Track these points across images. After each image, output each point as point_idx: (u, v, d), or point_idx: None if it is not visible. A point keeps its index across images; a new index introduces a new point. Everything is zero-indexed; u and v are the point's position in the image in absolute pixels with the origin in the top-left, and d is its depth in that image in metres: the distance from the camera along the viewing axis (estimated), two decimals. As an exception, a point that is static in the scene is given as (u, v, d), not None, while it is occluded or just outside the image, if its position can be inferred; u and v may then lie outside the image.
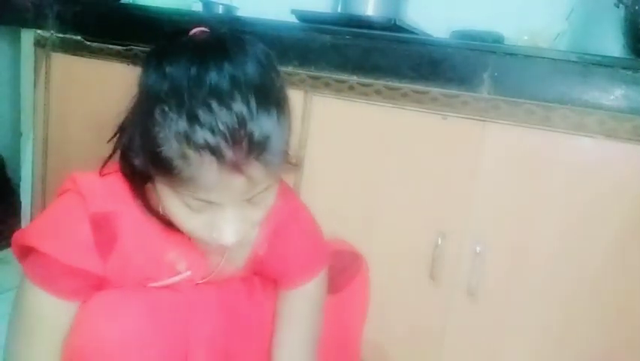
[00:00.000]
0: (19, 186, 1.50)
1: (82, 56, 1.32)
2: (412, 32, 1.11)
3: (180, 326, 0.70)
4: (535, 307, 0.94)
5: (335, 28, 1.04)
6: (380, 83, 1.00)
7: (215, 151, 0.52)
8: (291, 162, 0.63)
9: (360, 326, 1.00)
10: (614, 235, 0.87)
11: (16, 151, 1.49)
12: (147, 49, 1.21)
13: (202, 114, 0.52)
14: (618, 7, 0.97)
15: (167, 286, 0.71)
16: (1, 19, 1.33)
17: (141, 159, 0.59)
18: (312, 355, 0.81)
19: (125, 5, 1.39)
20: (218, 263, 0.75)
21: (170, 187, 0.58)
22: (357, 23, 1.06)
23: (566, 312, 0.92)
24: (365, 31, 1.02)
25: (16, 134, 1.48)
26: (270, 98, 0.56)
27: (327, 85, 1.04)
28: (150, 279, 0.71)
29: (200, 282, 0.75)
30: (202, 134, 0.51)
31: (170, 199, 0.59)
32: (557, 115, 0.88)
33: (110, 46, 1.27)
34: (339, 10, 1.25)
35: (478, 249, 0.95)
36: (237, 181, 0.54)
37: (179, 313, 0.70)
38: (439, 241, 0.97)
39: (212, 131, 0.52)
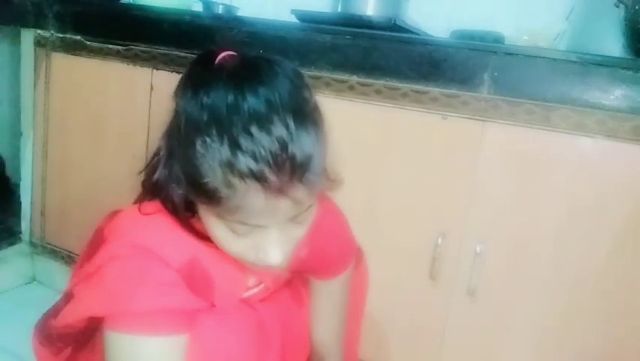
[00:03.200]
0: (19, 186, 1.50)
1: (82, 56, 1.32)
2: (412, 32, 1.11)
3: (255, 345, 0.71)
4: (535, 307, 0.94)
5: (335, 28, 1.04)
6: (380, 83, 1.00)
7: (259, 178, 0.52)
8: (331, 180, 0.63)
9: (361, 311, 1.03)
10: (614, 235, 0.87)
11: (16, 151, 1.49)
12: (147, 49, 1.23)
13: (243, 141, 0.52)
14: (618, 7, 0.97)
15: (245, 303, 0.73)
16: (1, 19, 1.33)
17: (184, 190, 0.59)
18: (343, 322, 0.90)
19: (125, 5, 1.39)
20: (278, 273, 0.78)
21: (215, 215, 0.57)
22: (357, 23, 1.06)
23: (565, 312, 0.92)
24: (365, 31, 1.02)
25: (16, 134, 1.48)
26: (307, 118, 0.56)
27: (327, 85, 1.04)
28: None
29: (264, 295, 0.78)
30: (245, 162, 0.52)
31: (215, 226, 0.59)
32: (557, 115, 0.88)
33: (110, 46, 1.27)
34: (339, 10, 1.25)
35: (478, 249, 0.95)
36: (283, 204, 0.55)
37: (254, 331, 0.71)
38: (439, 241, 0.97)
39: (255, 158, 0.52)
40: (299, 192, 0.54)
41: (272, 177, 0.52)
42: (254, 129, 0.52)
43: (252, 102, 0.53)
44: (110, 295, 0.62)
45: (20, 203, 1.49)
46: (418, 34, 1.12)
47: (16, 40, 1.49)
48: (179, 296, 0.63)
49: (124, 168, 1.26)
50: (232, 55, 0.61)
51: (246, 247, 0.60)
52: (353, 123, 1.04)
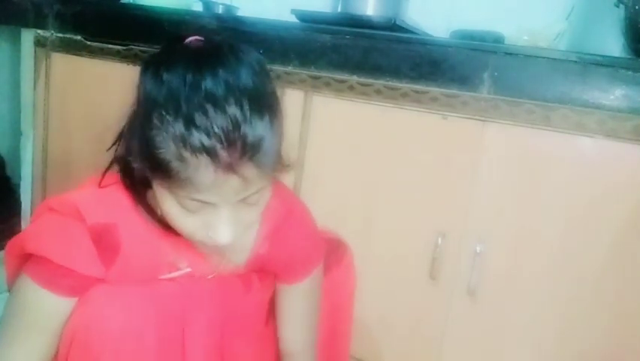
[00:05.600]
0: (19, 186, 1.50)
1: (82, 55, 1.32)
2: (412, 32, 1.11)
3: (178, 314, 0.72)
4: (535, 307, 0.94)
5: (335, 28, 1.04)
6: (380, 82, 1.00)
7: (210, 153, 0.54)
8: (284, 164, 0.65)
9: (350, 306, 1.03)
10: (614, 235, 0.87)
11: (16, 151, 1.49)
12: (147, 49, 1.23)
13: (198, 118, 0.54)
14: (618, 7, 0.97)
15: (167, 279, 0.74)
16: (1, 19, 1.33)
17: (140, 164, 0.61)
18: (314, 331, 0.87)
19: (125, 5, 1.39)
20: (219, 264, 0.77)
21: (167, 189, 0.59)
22: (357, 23, 1.06)
23: (565, 312, 0.92)
24: (365, 31, 1.02)
25: (16, 134, 1.48)
26: (263, 103, 0.58)
27: (327, 85, 1.04)
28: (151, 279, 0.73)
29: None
30: (198, 137, 0.54)
31: (167, 202, 0.61)
32: (557, 115, 0.88)
33: (110, 46, 1.27)
34: (339, 10, 1.25)
35: (478, 249, 0.95)
36: (232, 182, 0.56)
37: (176, 301, 0.72)
38: (439, 241, 0.97)
39: (208, 134, 0.54)
40: (249, 170, 0.56)
41: (223, 153, 0.54)
42: (209, 107, 0.54)
43: (210, 83, 0.56)
44: (31, 236, 0.68)
45: (20, 203, 1.49)
46: (418, 34, 1.12)
47: (16, 40, 1.49)
48: (80, 257, 0.66)
49: (124, 168, 1.26)
50: (198, 39, 0.63)
51: (196, 225, 0.62)
52: (353, 123, 1.04)
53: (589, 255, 0.89)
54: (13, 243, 0.71)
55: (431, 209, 0.99)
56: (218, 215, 0.60)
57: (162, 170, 0.57)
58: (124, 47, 1.26)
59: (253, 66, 0.60)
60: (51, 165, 1.42)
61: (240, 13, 1.45)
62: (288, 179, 1.06)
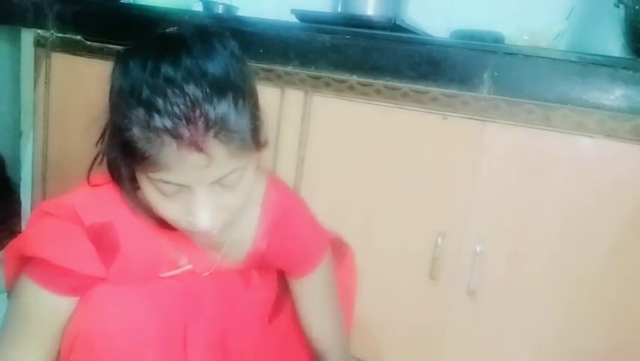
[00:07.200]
0: (19, 186, 1.50)
1: (82, 55, 1.32)
2: (412, 32, 1.11)
3: (179, 312, 0.72)
4: (535, 307, 0.94)
5: (335, 28, 1.04)
6: (380, 82, 1.00)
7: (171, 132, 0.56)
8: (258, 145, 0.65)
9: (351, 308, 1.03)
10: (614, 235, 0.87)
11: (16, 151, 1.49)
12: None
13: (158, 101, 0.56)
14: (618, 7, 0.97)
15: (168, 277, 0.74)
16: (1, 19, 1.33)
17: (116, 153, 0.63)
18: (339, 316, 0.88)
19: (125, 5, 1.39)
20: (216, 259, 0.77)
21: (144, 175, 0.61)
22: (357, 23, 1.06)
23: (565, 312, 0.92)
24: (365, 31, 1.02)
25: (16, 134, 1.48)
26: (227, 84, 0.59)
27: (327, 85, 1.04)
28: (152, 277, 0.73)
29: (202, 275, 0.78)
30: (160, 119, 0.56)
31: (147, 188, 0.62)
32: (557, 115, 0.88)
33: (110, 46, 1.27)
34: (339, 9, 1.25)
35: (478, 249, 0.95)
36: (197, 159, 0.57)
37: (177, 299, 0.73)
38: (439, 241, 0.97)
39: (168, 115, 0.56)
40: (214, 148, 0.57)
41: (184, 130, 0.56)
42: (168, 90, 0.56)
43: (169, 67, 0.57)
44: (30, 240, 0.69)
45: (20, 203, 1.49)
46: (418, 34, 1.12)
47: (16, 40, 1.49)
48: (80, 258, 0.66)
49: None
50: (173, 29, 0.64)
51: (177, 211, 0.63)
52: (353, 123, 1.04)
53: (589, 255, 0.89)
54: (11, 246, 0.72)
55: (431, 209, 0.99)
56: (194, 198, 0.61)
57: (133, 154, 0.58)
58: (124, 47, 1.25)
59: (221, 52, 0.61)
60: (51, 165, 1.42)
61: (239, 13, 1.45)
62: (288, 179, 1.06)
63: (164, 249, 0.73)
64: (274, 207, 0.78)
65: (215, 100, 0.57)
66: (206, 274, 0.78)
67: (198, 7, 1.43)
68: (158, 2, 1.29)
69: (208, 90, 0.57)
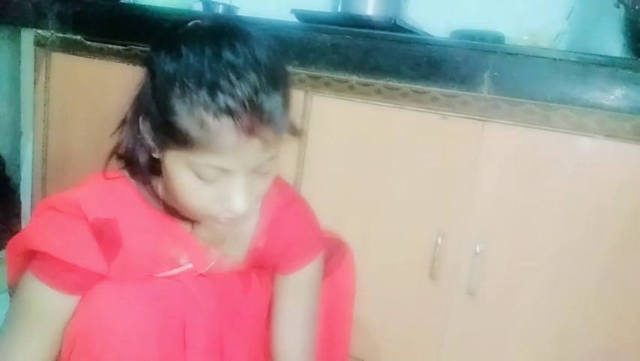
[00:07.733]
0: (19, 186, 1.50)
1: (82, 55, 1.32)
2: (412, 32, 1.11)
3: (179, 313, 0.72)
4: (535, 307, 0.94)
5: (335, 28, 1.04)
6: (380, 82, 1.00)
7: (234, 115, 0.57)
8: (296, 131, 0.68)
9: (350, 309, 1.02)
10: (614, 235, 0.87)
11: (16, 151, 1.49)
12: (147, 49, 1.22)
13: (223, 83, 0.57)
14: (618, 7, 0.97)
15: (168, 277, 0.74)
16: (1, 19, 1.33)
17: (154, 139, 0.63)
18: (312, 333, 0.84)
19: (125, 5, 1.39)
20: (216, 256, 0.78)
21: (184, 161, 0.61)
22: (357, 23, 1.06)
23: (566, 312, 0.92)
24: (365, 31, 1.02)
25: (16, 134, 1.48)
26: (277, 75, 0.62)
27: (327, 85, 1.04)
28: (153, 274, 0.74)
29: (201, 273, 0.78)
30: (224, 99, 0.57)
31: (182, 175, 0.62)
32: (557, 115, 0.88)
33: (110, 46, 1.27)
34: (339, 9, 1.26)
35: (478, 249, 0.95)
36: (252, 145, 0.59)
37: (177, 300, 0.73)
38: (439, 241, 0.97)
39: (233, 97, 0.57)
40: (268, 134, 0.59)
41: (245, 116, 0.57)
42: (232, 75, 0.58)
43: (229, 54, 0.59)
44: (34, 233, 0.69)
45: (20, 203, 1.49)
46: (418, 34, 1.12)
47: (16, 40, 1.49)
48: (83, 253, 0.67)
49: (124, 168, 1.26)
50: (204, 19, 0.65)
51: (211, 196, 0.63)
52: (353, 123, 1.04)
53: (589, 254, 0.89)
54: (14, 241, 0.72)
55: (431, 209, 0.99)
56: (234, 184, 0.62)
57: (182, 138, 0.58)
58: (124, 47, 1.26)
59: (265, 43, 0.63)
60: (51, 165, 1.42)
61: (239, 13, 1.45)
62: (288, 178, 1.06)
63: (166, 246, 0.73)
64: (274, 204, 0.79)
65: (270, 89, 0.59)
66: (207, 269, 0.78)
67: (198, 7, 1.44)
68: (158, 2, 1.29)
69: (264, 79, 0.59)
